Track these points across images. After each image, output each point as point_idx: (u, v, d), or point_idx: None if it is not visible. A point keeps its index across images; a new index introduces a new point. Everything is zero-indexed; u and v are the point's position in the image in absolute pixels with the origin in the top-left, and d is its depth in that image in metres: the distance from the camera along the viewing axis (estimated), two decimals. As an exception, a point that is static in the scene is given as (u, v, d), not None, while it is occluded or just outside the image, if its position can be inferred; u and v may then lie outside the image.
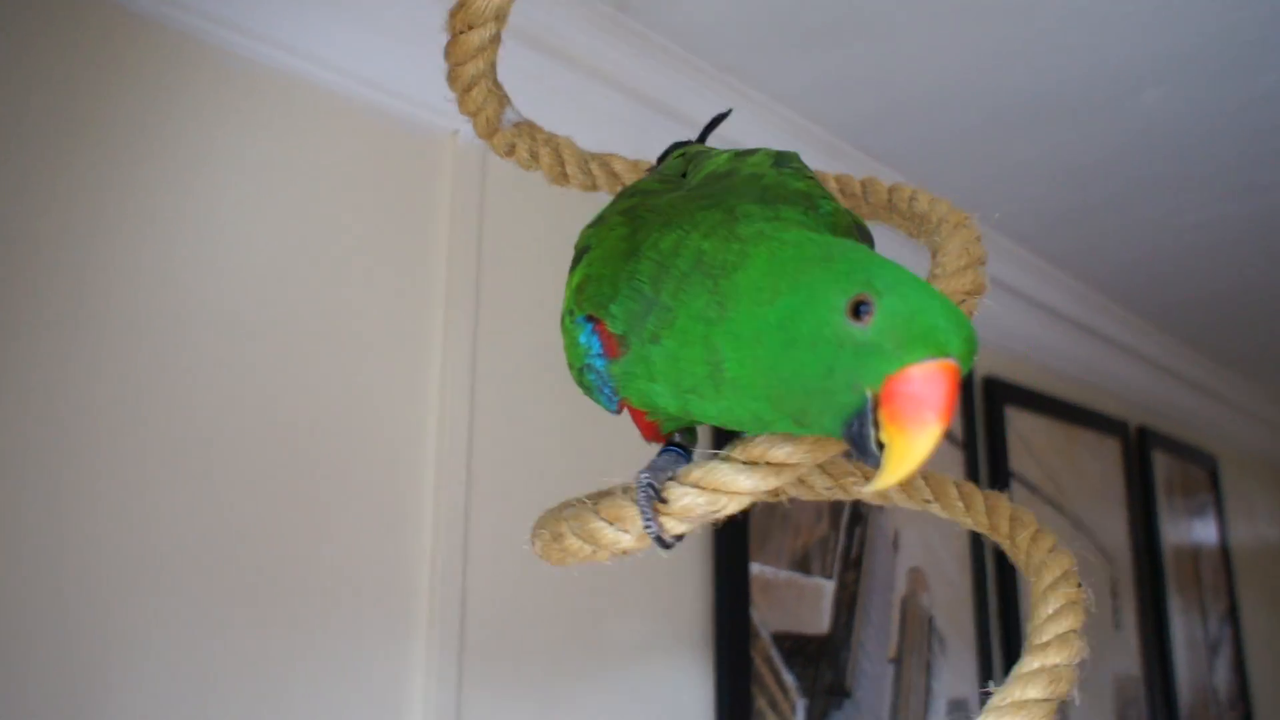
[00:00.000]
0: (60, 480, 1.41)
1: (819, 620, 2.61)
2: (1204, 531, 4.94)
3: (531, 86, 2.10)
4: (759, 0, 2.09)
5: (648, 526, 0.77)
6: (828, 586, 2.66)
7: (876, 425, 0.60)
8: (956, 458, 3.24)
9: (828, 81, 2.40)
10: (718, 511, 0.75)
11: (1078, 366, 4.10)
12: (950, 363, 0.59)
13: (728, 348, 0.66)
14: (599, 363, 0.78)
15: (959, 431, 3.27)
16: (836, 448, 0.74)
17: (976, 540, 3.21)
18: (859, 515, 2.81)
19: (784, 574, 2.54)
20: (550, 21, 2.05)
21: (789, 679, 2.46)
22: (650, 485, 0.78)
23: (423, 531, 1.83)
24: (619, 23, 2.16)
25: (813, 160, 2.55)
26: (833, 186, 1.25)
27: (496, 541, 1.93)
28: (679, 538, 0.86)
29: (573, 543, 0.85)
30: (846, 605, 2.69)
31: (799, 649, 2.51)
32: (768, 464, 0.74)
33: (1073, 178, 2.92)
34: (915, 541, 2.99)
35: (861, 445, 0.61)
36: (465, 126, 2.01)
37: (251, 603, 1.58)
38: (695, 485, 0.76)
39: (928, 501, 1.01)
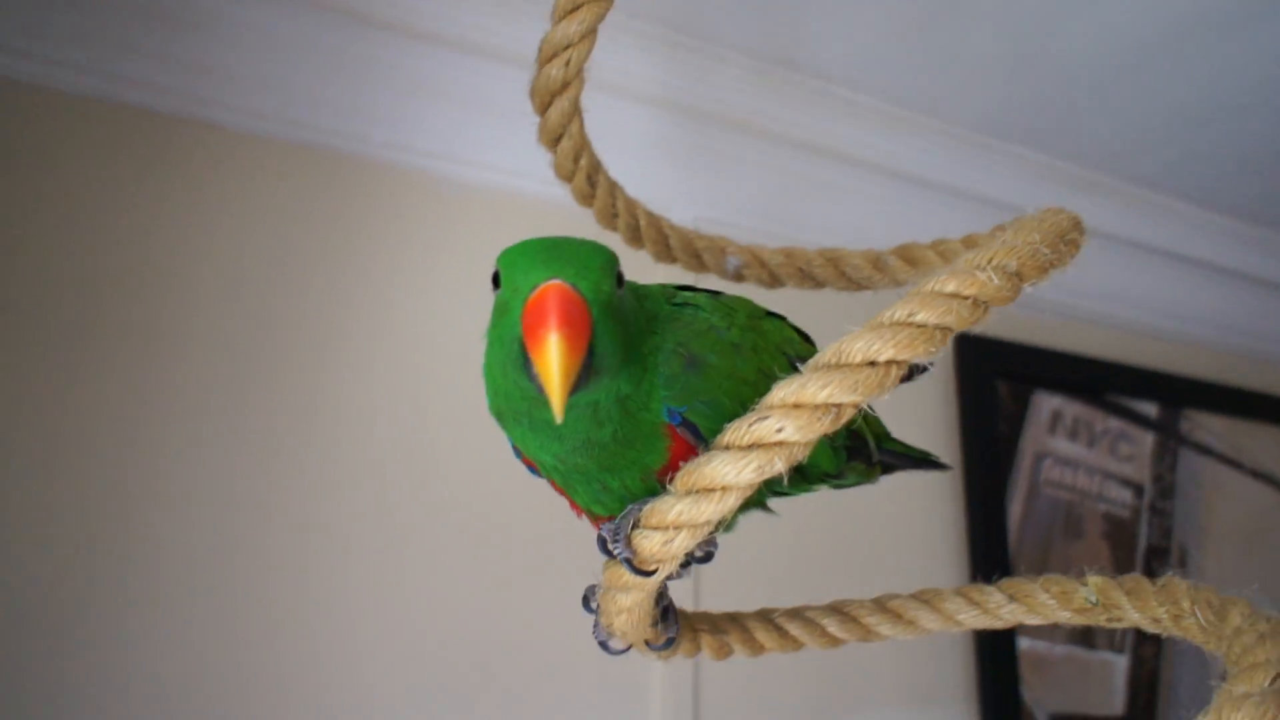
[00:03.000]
0: (328, 610, 1.73)
1: (1110, 700, 2.34)
2: None
3: (705, 157, 2.22)
4: (921, 31, 2.05)
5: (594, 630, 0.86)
6: (1119, 662, 2.38)
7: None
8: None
9: (1001, 100, 2.25)
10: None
11: None
12: (552, 284, 0.65)
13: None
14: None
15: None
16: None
17: None
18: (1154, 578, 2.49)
19: (1060, 649, 2.33)
20: (714, 91, 2.16)
21: (1072, 768, 2.23)
22: (585, 599, 0.85)
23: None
24: (788, 80, 2.20)
25: (1004, 176, 2.39)
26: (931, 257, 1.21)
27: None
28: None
29: None
30: (1146, 683, 2.39)
31: (1081, 735, 2.28)
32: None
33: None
34: (1237, 608, 2.58)
35: (536, 382, 0.65)
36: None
37: (491, 684, 1.78)
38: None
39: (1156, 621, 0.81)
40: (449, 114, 1.99)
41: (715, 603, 1.84)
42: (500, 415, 0.78)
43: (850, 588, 2.07)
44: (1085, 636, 2.36)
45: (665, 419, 0.75)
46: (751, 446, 0.66)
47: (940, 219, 2.44)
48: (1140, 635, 2.43)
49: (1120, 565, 2.47)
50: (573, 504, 0.88)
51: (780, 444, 0.65)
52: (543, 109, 1.05)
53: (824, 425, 0.66)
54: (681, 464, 0.70)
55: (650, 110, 2.13)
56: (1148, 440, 2.60)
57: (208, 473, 1.68)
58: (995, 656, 2.24)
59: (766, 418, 0.65)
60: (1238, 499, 2.68)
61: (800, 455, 0.66)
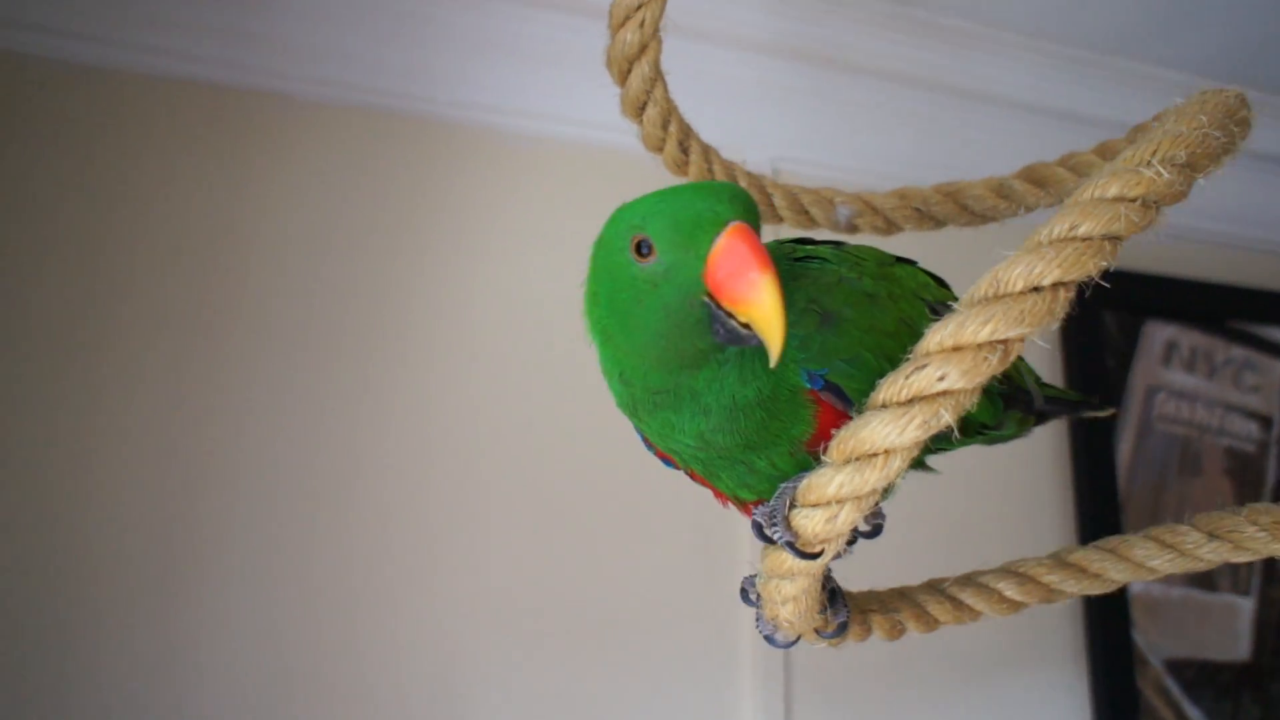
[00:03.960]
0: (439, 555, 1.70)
1: (1234, 645, 2.21)
2: None
3: (799, 99, 2.09)
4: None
5: (757, 622, 0.79)
6: (1244, 605, 2.25)
7: (731, 315, 0.64)
8: None
9: (1111, 14, 2.07)
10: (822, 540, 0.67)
11: None
12: (731, 226, 0.64)
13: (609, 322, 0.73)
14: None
15: None
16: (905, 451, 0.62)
17: None
18: (1282, 517, 2.34)
19: (1177, 592, 2.20)
20: (829, 34, 2.03)
21: (1195, 714, 2.12)
22: (744, 590, 0.79)
23: (741, 566, 1.88)
24: (890, 12, 2.06)
25: (1119, 94, 2.20)
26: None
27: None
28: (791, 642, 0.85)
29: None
30: (1275, 627, 2.25)
31: (1207, 679, 2.16)
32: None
33: None
34: (1373, 545, 2.40)
35: (736, 337, 0.65)
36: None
37: (580, 639, 1.75)
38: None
39: None
40: (513, 68, 1.92)
41: (811, 679, 1.76)
42: (634, 408, 0.74)
43: (946, 540, 2.01)
44: (1205, 578, 2.23)
45: (805, 384, 0.69)
46: (912, 400, 0.57)
47: (1057, 147, 2.28)
48: (1268, 576, 2.28)
49: (1244, 505, 2.31)
50: (717, 492, 0.82)
51: (945, 393, 0.57)
52: (622, 78, 0.99)
53: (991, 366, 0.57)
54: (832, 432, 0.63)
55: (736, 54, 2.01)
56: (1277, 369, 2.42)
57: (283, 439, 1.67)
58: (1104, 598, 2.12)
59: (925, 366, 0.57)
60: (1375, 429, 2.49)
61: (968, 403, 0.58)
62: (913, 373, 0.57)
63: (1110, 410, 1.04)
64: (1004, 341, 0.56)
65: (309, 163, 1.79)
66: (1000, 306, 0.56)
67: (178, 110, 1.73)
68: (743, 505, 0.80)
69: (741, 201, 0.66)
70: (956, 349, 0.56)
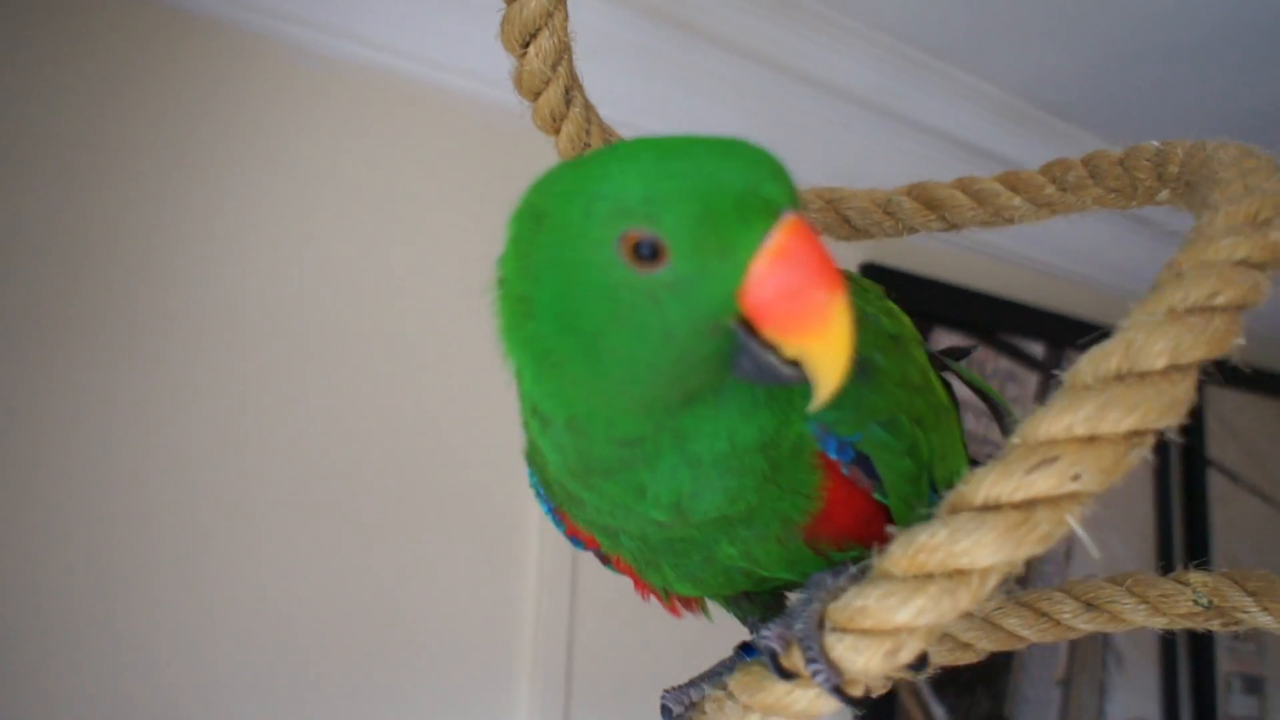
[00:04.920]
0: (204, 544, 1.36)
1: (974, 643, 2.34)
2: None
3: (671, 70, 1.90)
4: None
5: None
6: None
7: (770, 346, 0.45)
8: (1141, 450, 2.84)
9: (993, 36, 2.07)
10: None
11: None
12: (784, 218, 0.44)
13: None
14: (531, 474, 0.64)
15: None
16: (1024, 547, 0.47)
17: (1165, 543, 2.82)
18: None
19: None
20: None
21: (939, 712, 2.21)
22: (667, 709, 0.63)
23: (527, 571, 1.69)
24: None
25: (987, 125, 2.22)
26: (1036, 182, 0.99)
27: (606, 580, 1.78)
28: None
29: None
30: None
31: (950, 678, 2.26)
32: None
33: None
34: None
35: (772, 375, 0.46)
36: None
37: (350, 651, 1.50)
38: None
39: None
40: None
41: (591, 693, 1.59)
42: (584, 472, 0.51)
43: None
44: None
45: (831, 452, 0.51)
46: (1033, 504, 0.40)
47: (885, 149, 2.24)
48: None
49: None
50: (638, 582, 0.63)
51: (1073, 496, 0.40)
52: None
53: (1129, 465, 0.41)
54: (890, 533, 0.45)
55: (609, 9, 1.77)
56: (1032, 381, 2.56)
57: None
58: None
59: (1054, 460, 0.40)
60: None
61: (1088, 510, 0.42)
62: (1038, 467, 0.40)
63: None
64: (1143, 434, 0.40)
65: (77, 63, 1.36)
66: (1146, 390, 0.41)
67: None
68: (670, 601, 0.63)
69: (787, 178, 0.46)
70: (1092, 440, 0.40)
